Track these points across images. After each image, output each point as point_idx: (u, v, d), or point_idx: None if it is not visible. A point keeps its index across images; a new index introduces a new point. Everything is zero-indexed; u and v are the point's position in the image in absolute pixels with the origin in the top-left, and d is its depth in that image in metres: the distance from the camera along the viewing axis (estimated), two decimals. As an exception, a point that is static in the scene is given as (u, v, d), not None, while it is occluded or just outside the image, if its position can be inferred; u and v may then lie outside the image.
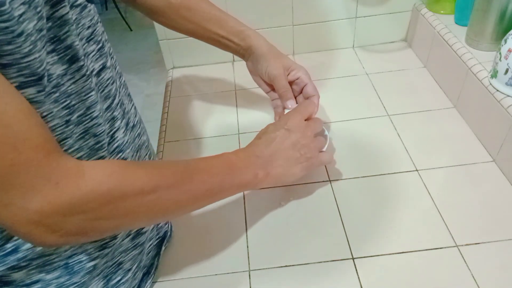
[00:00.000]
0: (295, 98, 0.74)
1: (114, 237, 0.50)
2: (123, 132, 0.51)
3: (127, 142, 0.51)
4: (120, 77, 0.53)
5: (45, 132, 0.37)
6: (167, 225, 0.64)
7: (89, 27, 0.45)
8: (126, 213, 0.42)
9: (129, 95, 0.56)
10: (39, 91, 0.37)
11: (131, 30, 2.87)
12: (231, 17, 0.72)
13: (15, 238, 0.42)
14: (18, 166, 0.33)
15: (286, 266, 0.60)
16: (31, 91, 0.36)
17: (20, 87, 0.35)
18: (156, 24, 0.90)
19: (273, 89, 0.75)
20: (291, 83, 0.73)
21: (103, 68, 0.47)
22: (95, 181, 0.38)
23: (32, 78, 0.35)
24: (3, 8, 0.31)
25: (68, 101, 0.41)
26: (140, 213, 0.44)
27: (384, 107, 0.85)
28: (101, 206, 0.39)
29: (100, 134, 0.45)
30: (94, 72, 0.45)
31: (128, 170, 0.42)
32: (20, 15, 0.33)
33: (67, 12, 0.40)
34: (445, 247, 0.60)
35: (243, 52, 0.74)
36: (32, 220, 0.35)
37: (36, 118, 0.36)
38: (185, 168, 0.49)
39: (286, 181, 0.61)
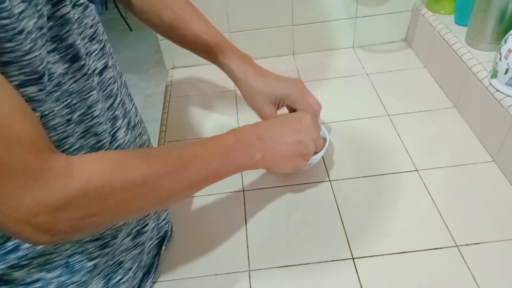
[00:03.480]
0: None
1: (115, 237, 0.50)
2: (125, 131, 0.51)
3: (128, 141, 0.51)
4: (120, 77, 0.53)
5: (38, 130, 0.36)
6: (167, 225, 0.64)
7: (91, 26, 0.45)
8: (117, 207, 0.42)
9: (129, 95, 0.56)
10: (40, 90, 0.37)
11: (131, 30, 2.87)
12: (214, 37, 0.69)
13: (16, 236, 0.42)
14: (8, 165, 0.33)
15: (286, 266, 0.60)
16: (32, 89, 0.36)
17: (21, 85, 0.35)
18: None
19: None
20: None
21: (105, 67, 0.47)
22: (84, 179, 0.38)
23: (34, 76, 0.35)
24: (3, 5, 0.31)
25: (69, 100, 0.41)
26: (133, 205, 0.43)
27: (384, 107, 0.85)
28: (91, 203, 0.39)
29: (101, 133, 0.46)
30: (96, 71, 0.45)
31: (118, 164, 0.42)
32: (20, 13, 0.33)
33: (68, 12, 0.40)
34: (445, 247, 0.60)
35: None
36: (22, 219, 0.35)
37: (30, 117, 0.36)
38: (179, 157, 0.48)
39: (276, 170, 0.62)
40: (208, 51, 0.69)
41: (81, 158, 0.40)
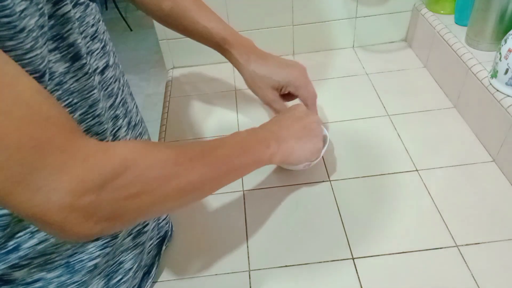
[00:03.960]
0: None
1: (115, 236, 0.50)
2: (125, 131, 0.51)
3: (128, 141, 0.51)
4: (123, 76, 0.53)
5: (65, 112, 0.36)
6: (167, 225, 0.64)
7: (93, 25, 0.45)
8: (155, 187, 0.40)
9: (131, 94, 0.56)
10: None
11: (131, 30, 2.87)
12: (217, 25, 0.69)
13: (17, 236, 0.42)
14: (43, 145, 0.32)
15: (286, 266, 0.60)
16: None
17: None
18: (156, 24, 0.90)
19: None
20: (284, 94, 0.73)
21: (107, 66, 0.47)
22: (121, 155, 0.37)
23: (35, 75, 0.35)
24: (5, 3, 0.31)
25: (70, 99, 0.41)
26: (170, 185, 0.42)
27: (384, 107, 0.85)
28: (130, 181, 0.38)
29: (102, 132, 0.45)
30: (98, 70, 0.45)
31: (149, 144, 0.42)
32: (22, 11, 0.33)
33: (69, 10, 0.40)
34: (445, 247, 0.60)
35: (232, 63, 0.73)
36: (66, 203, 0.33)
37: (53, 99, 0.35)
38: (201, 144, 0.49)
39: (294, 159, 0.63)
40: (209, 38, 0.69)
41: (112, 142, 0.40)
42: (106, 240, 0.49)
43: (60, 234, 0.36)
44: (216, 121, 0.87)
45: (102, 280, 0.50)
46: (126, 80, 0.55)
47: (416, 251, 0.60)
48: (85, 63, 0.42)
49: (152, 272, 0.60)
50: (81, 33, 0.42)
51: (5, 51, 0.32)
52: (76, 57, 0.41)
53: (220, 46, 0.70)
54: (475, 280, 0.56)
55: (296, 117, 0.65)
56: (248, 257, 0.62)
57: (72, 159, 0.34)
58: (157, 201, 0.42)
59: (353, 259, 0.60)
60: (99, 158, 0.36)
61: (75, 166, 0.34)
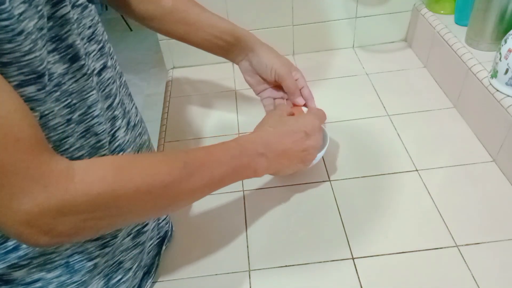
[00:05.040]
0: None
1: (115, 236, 0.50)
2: (124, 131, 0.51)
3: (128, 141, 0.51)
4: (120, 77, 0.53)
5: (37, 132, 0.36)
6: (167, 225, 0.64)
7: (90, 27, 0.45)
8: (120, 213, 0.41)
9: (129, 94, 0.56)
10: (39, 89, 0.37)
11: (131, 30, 2.87)
12: (223, 19, 0.70)
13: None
14: (7, 167, 0.33)
15: (286, 266, 0.60)
16: (31, 89, 0.36)
17: (20, 85, 0.35)
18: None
19: (268, 88, 0.73)
20: None
21: (104, 67, 0.47)
22: (86, 184, 0.37)
23: (32, 76, 0.35)
24: (3, 7, 0.31)
25: (69, 100, 0.41)
26: (135, 212, 0.43)
27: (384, 107, 0.85)
28: (92, 208, 0.38)
29: (101, 133, 0.46)
30: (95, 72, 0.45)
31: (122, 171, 0.41)
32: (20, 14, 0.33)
33: (68, 12, 0.40)
34: (445, 247, 0.60)
35: (238, 52, 0.71)
36: (22, 221, 0.34)
37: (30, 119, 0.35)
38: (185, 165, 0.46)
39: (280, 174, 0.64)
40: (214, 23, 0.69)
41: (84, 163, 0.39)
42: (105, 240, 0.49)
43: (21, 242, 0.39)
44: (216, 121, 0.87)
45: (102, 280, 0.50)
46: (125, 81, 0.55)
47: (416, 251, 0.60)
48: (84, 64, 0.42)
49: (152, 272, 0.60)
50: (79, 35, 0.42)
51: (3, 54, 0.32)
52: (75, 58, 0.41)
53: (230, 34, 0.69)
54: (475, 280, 0.56)
55: (301, 137, 0.60)
56: (248, 257, 0.62)
57: (33, 184, 0.34)
58: (121, 222, 0.44)
59: (353, 259, 0.60)
60: (60, 186, 0.36)
61: (34, 191, 0.34)
